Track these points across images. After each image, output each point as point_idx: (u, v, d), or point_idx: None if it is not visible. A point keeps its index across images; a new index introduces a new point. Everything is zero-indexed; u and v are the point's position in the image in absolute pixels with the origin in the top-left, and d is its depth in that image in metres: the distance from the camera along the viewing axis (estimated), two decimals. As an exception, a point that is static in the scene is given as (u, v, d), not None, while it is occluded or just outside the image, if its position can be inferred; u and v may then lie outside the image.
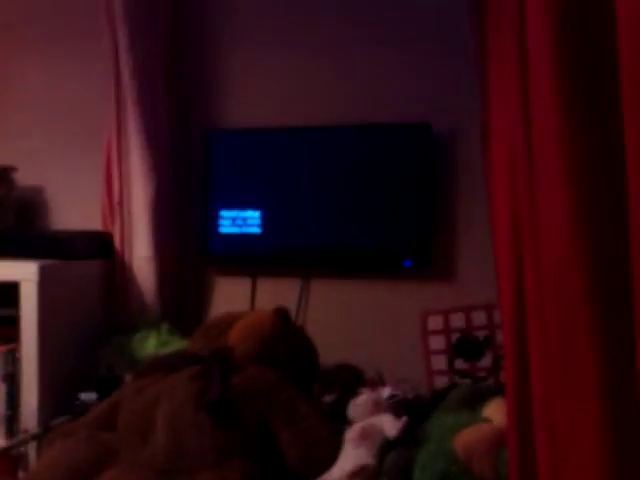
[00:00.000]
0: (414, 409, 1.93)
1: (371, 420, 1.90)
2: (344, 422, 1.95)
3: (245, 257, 2.50)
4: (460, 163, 2.40)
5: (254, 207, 2.48)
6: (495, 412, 1.76)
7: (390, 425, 1.86)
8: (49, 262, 2.14)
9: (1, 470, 1.98)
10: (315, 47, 2.51)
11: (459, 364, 2.23)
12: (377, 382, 2.13)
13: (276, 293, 2.46)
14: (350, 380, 2.13)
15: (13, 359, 2.10)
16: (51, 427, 1.98)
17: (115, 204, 2.46)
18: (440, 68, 2.39)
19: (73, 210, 2.62)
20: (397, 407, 1.95)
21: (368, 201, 2.41)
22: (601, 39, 0.88)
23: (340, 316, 2.46)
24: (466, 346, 2.24)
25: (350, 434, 1.88)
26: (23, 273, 2.07)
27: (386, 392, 1.98)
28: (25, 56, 2.68)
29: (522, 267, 1.14)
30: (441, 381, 2.22)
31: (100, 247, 2.45)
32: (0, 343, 2.12)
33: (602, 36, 0.87)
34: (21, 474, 2.01)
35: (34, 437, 2.03)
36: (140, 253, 2.45)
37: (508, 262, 1.18)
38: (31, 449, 2.03)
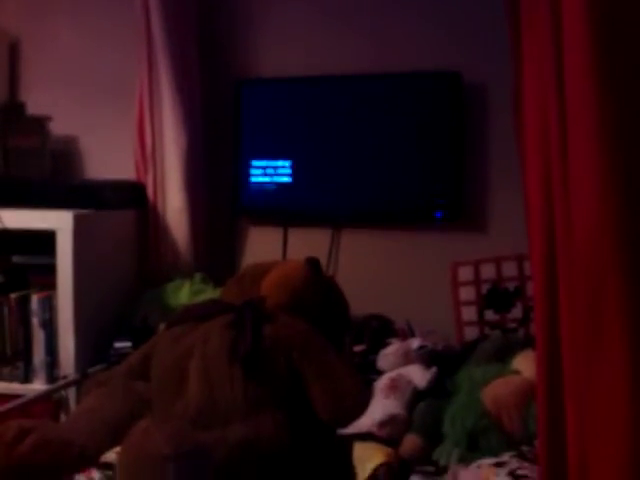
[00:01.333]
0: (443, 360, 1.95)
1: (400, 371, 1.93)
2: (374, 372, 1.98)
3: (276, 208, 2.51)
4: (491, 113, 2.37)
5: (285, 157, 2.48)
6: (525, 364, 1.77)
7: (419, 376, 1.88)
8: (84, 211, 2.17)
9: (43, 413, 2.05)
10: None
11: (489, 315, 2.23)
12: (407, 333, 2.15)
13: (307, 243, 2.47)
14: (380, 330, 2.15)
15: (50, 306, 2.15)
16: (88, 374, 2.03)
17: (148, 155, 2.47)
18: (472, 16, 2.34)
19: (107, 160, 2.64)
20: (426, 358, 1.97)
21: (399, 151, 2.39)
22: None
23: (371, 267, 2.47)
24: (496, 297, 2.24)
25: (380, 384, 1.90)
26: (58, 222, 2.10)
27: (415, 343, 2.00)
28: (58, 14, 2.69)
29: (554, 221, 1.13)
30: (471, 332, 2.23)
31: (134, 197, 2.47)
32: (38, 290, 2.17)
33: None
34: (62, 417, 2.08)
35: (72, 383, 2.09)
36: (173, 204, 2.47)
37: (540, 215, 1.17)
38: (71, 393, 2.10)
